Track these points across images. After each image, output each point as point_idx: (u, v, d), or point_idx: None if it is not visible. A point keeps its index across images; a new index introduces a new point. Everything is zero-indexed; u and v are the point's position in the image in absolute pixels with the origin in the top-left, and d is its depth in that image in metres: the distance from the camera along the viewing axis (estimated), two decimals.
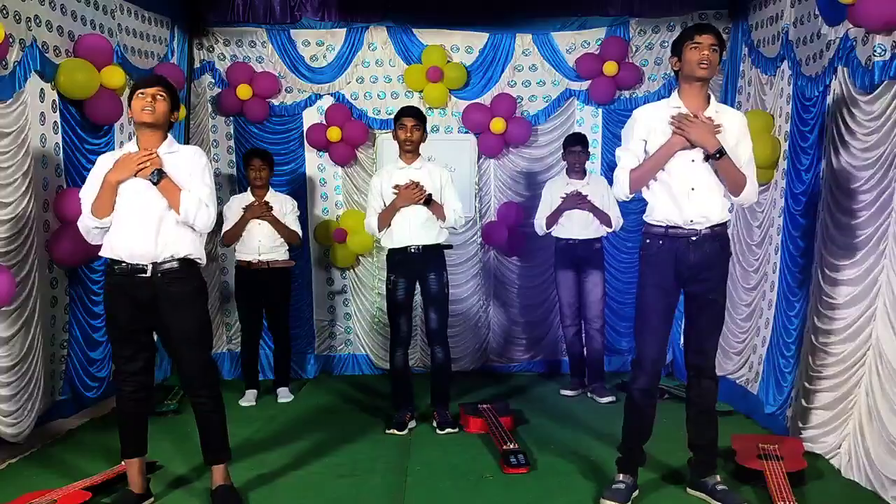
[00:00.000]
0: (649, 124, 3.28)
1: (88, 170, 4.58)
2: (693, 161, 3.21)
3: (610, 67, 5.82)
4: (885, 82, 3.51)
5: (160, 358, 5.58)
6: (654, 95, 5.85)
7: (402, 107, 4.71)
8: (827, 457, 3.87)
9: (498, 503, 3.52)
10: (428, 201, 4.47)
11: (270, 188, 5.39)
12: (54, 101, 4.33)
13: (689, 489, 3.53)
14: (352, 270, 6.19)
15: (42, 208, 4.24)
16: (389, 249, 4.61)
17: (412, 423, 4.62)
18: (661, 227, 3.29)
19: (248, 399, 5.26)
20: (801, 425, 4.06)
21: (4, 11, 3.87)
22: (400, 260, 4.55)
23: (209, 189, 3.26)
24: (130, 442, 3.40)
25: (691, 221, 3.22)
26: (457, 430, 4.55)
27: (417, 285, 4.64)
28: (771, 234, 4.73)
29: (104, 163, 3.25)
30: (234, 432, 3.83)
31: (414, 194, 4.42)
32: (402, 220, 4.51)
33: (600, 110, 6.05)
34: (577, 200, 5.21)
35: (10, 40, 3.88)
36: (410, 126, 4.50)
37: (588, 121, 6.06)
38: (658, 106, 3.37)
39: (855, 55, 3.76)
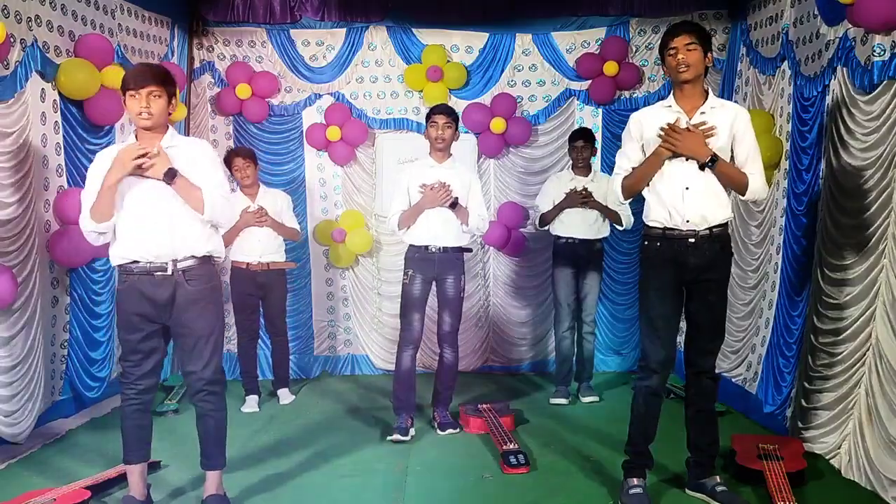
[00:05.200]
0: (645, 128, 3.27)
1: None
2: (687, 159, 3.17)
3: (610, 67, 5.83)
4: (885, 82, 3.52)
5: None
6: (654, 96, 5.86)
7: (436, 104, 4.64)
8: (827, 457, 3.87)
9: (498, 503, 3.53)
10: (454, 204, 4.39)
11: (262, 185, 5.29)
12: (55, 101, 4.33)
13: (688, 490, 3.51)
14: (351, 270, 6.18)
15: (43, 209, 4.24)
16: (409, 245, 4.53)
17: (412, 430, 4.52)
18: (658, 228, 3.26)
19: (251, 405, 5.13)
20: (801, 425, 4.06)
21: (5, 11, 3.87)
22: (419, 258, 4.47)
23: (223, 183, 3.21)
24: (133, 447, 3.30)
25: (687, 222, 3.18)
26: (457, 430, 4.55)
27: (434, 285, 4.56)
28: (772, 234, 4.74)
29: (103, 160, 3.10)
30: (234, 433, 3.82)
31: (440, 196, 4.34)
32: (425, 219, 4.44)
33: (600, 110, 6.05)
34: (579, 198, 5.07)
35: (11, 40, 3.88)
36: (442, 123, 4.40)
37: (588, 121, 6.05)
38: (654, 108, 3.35)
39: (854, 55, 3.77)
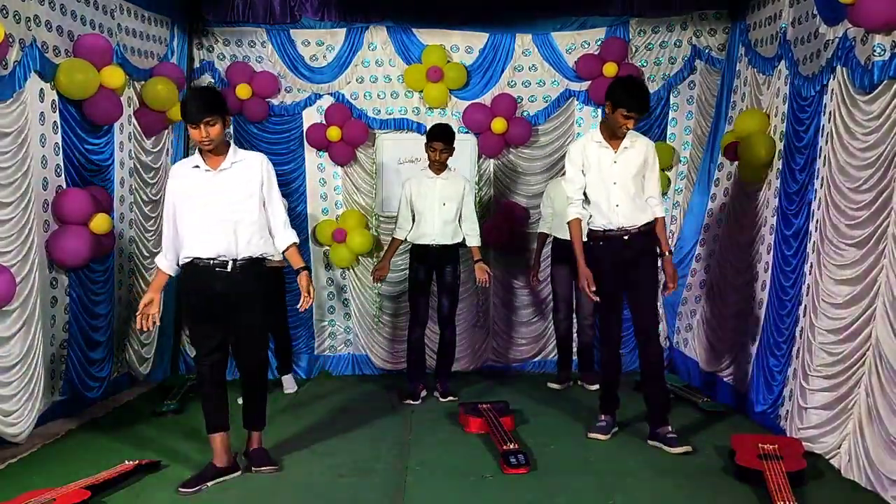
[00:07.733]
0: (584, 157, 4.19)
1: (88, 170, 4.65)
2: (615, 183, 4.12)
3: (610, 68, 5.82)
4: (885, 82, 3.51)
5: (159, 358, 5.61)
6: (654, 96, 5.82)
7: (435, 126, 5.14)
8: (827, 457, 3.86)
9: (498, 503, 3.53)
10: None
11: None
12: (54, 100, 4.33)
13: (648, 441, 4.19)
14: (352, 270, 6.18)
15: (42, 208, 4.24)
16: (413, 244, 5.22)
17: (423, 393, 5.21)
18: (600, 230, 4.19)
19: None
20: (800, 425, 4.06)
21: (4, 11, 3.87)
22: (421, 253, 5.18)
23: (283, 203, 3.85)
24: (210, 417, 3.74)
25: (622, 227, 4.13)
26: (457, 398, 5.11)
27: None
28: (763, 234, 4.74)
29: (171, 186, 3.68)
30: (234, 433, 3.86)
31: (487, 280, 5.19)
32: (426, 222, 5.11)
33: (600, 110, 6.04)
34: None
35: (10, 40, 3.88)
36: (440, 150, 5.04)
37: (588, 121, 6.06)
38: (589, 141, 4.25)
39: (854, 55, 3.76)
